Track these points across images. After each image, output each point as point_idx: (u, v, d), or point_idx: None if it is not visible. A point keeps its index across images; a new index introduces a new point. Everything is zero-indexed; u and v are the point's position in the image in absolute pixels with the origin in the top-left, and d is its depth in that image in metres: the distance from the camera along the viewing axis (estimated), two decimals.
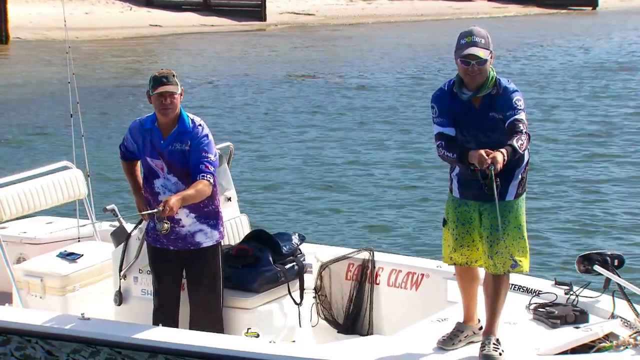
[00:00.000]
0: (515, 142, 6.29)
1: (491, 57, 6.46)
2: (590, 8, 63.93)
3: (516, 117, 6.38)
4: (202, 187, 6.87)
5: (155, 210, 6.75)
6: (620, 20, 54.59)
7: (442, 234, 6.81)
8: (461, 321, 6.73)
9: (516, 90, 6.50)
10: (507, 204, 6.51)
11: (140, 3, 53.11)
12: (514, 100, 6.43)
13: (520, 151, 6.31)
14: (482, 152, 6.21)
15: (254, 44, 42.95)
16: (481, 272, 6.74)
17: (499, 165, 6.15)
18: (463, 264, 6.68)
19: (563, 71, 32.57)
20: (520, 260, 6.51)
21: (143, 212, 7.04)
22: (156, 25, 48.28)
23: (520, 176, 6.57)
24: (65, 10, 9.79)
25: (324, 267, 8.15)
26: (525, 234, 6.60)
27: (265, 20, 52.54)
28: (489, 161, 6.15)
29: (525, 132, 6.37)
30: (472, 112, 6.47)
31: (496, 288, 6.50)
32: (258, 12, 52.87)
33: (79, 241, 8.70)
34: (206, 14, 52.45)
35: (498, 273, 6.47)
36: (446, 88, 6.59)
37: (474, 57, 6.39)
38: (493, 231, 6.45)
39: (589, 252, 7.07)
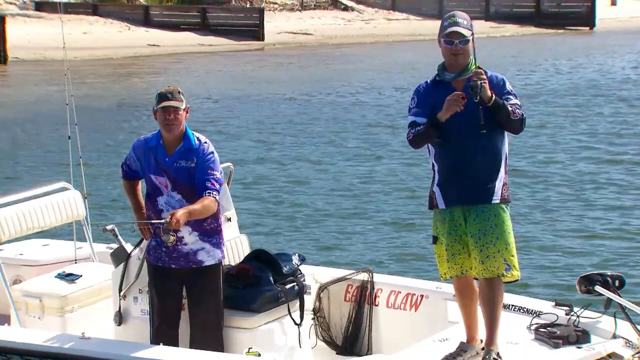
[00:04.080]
0: (508, 103, 6.40)
1: (473, 40, 6.56)
2: (588, 28, 64.10)
3: (514, 101, 6.48)
4: (208, 203, 6.90)
5: (163, 221, 6.76)
6: (617, 40, 54.70)
7: (434, 253, 6.83)
8: (464, 341, 6.71)
9: (504, 77, 6.62)
10: (492, 207, 6.53)
11: (138, 23, 53.27)
12: (506, 85, 6.55)
13: (510, 112, 6.38)
14: (448, 98, 6.35)
15: (252, 63, 43.01)
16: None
17: (486, 86, 6.30)
18: (458, 274, 6.68)
19: (560, 90, 32.62)
20: (513, 265, 6.53)
21: (150, 221, 7.01)
22: (154, 45, 48.38)
23: (502, 178, 6.59)
24: (64, 30, 9.77)
25: (322, 288, 8.13)
26: (513, 243, 6.59)
27: (263, 39, 52.68)
28: (477, 78, 6.30)
29: (523, 116, 6.48)
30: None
31: (492, 294, 6.51)
32: (256, 32, 53.04)
33: (75, 263, 8.67)
34: (204, 33, 52.59)
35: (492, 277, 6.47)
36: (429, 81, 6.70)
37: (457, 35, 6.50)
38: (482, 235, 6.48)
39: (589, 272, 7.06)
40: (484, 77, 6.37)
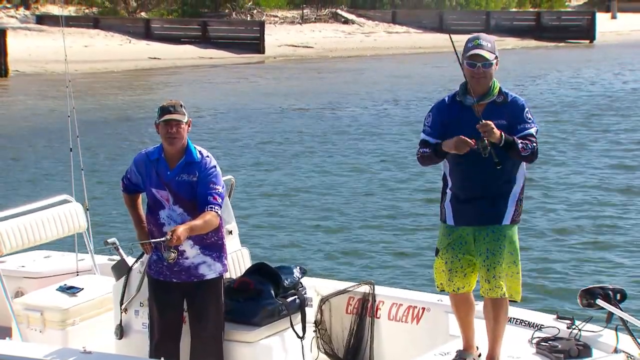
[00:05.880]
0: (519, 140, 6.35)
1: (497, 64, 6.54)
2: (588, 41, 64.24)
3: (529, 131, 6.46)
4: (210, 217, 6.89)
5: (163, 239, 6.76)
6: (618, 53, 54.80)
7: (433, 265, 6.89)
8: (461, 349, 6.75)
9: (524, 102, 6.59)
10: (502, 228, 6.55)
11: (139, 36, 53.38)
12: (524, 112, 6.51)
13: (520, 150, 6.35)
14: (459, 138, 6.30)
15: (252, 76, 43.05)
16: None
17: (495, 133, 6.26)
18: (451, 291, 6.75)
19: (561, 103, 32.65)
20: (510, 287, 6.58)
21: (151, 240, 7.01)
22: (155, 58, 48.45)
23: (517, 202, 6.60)
24: (65, 44, 9.79)
25: (324, 300, 8.12)
26: (519, 263, 6.62)
27: (263, 52, 52.78)
28: (483, 131, 6.26)
29: (535, 149, 6.43)
30: (473, 120, 6.45)
31: (496, 312, 6.58)
32: (256, 45, 53.16)
33: (77, 275, 8.67)
34: (205, 46, 52.71)
35: (495, 297, 6.53)
36: (447, 99, 6.68)
37: (480, 59, 6.46)
38: (490, 255, 6.52)
39: (591, 286, 7.06)
40: (491, 127, 6.30)
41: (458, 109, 6.55)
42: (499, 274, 6.50)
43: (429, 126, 6.61)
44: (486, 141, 6.28)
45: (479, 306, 6.87)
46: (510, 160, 6.48)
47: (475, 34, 6.67)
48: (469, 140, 6.30)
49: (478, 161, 6.39)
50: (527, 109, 6.54)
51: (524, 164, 6.61)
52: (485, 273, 6.53)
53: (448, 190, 6.67)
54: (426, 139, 6.61)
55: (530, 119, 6.51)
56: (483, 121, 6.30)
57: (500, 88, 6.58)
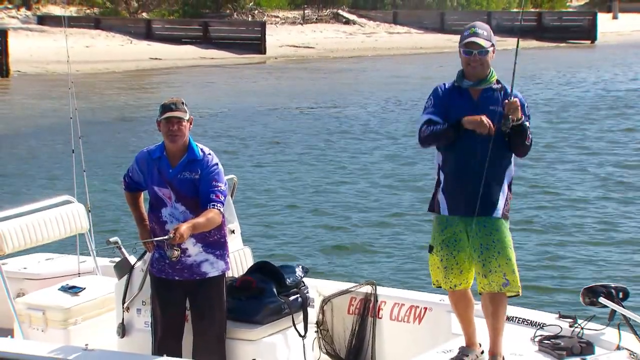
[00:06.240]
0: (528, 130, 6.49)
1: (493, 51, 6.63)
2: (589, 42, 64.26)
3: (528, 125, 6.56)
4: (212, 215, 6.89)
5: (166, 237, 6.76)
6: (619, 54, 54.80)
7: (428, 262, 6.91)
8: (464, 345, 6.79)
9: (522, 97, 6.66)
10: (494, 221, 6.59)
11: (140, 36, 53.42)
12: (525, 107, 6.59)
13: (528, 137, 6.50)
14: (482, 118, 6.39)
15: (253, 76, 43.07)
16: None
17: (518, 111, 6.39)
18: (448, 288, 6.78)
19: (561, 103, 32.67)
20: (513, 280, 6.59)
21: (154, 239, 7.01)
22: (156, 59, 48.48)
23: (506, 194, 6.64)
24: (67, 44, 9.79)
25: (326, 301, 8.13)
26: (514, 258, 6.65)
27: (265, 53, 52.81)
28: (509, 109, 6.37)
29: (532, 140, 6.62)
30: (470, 103, 6.58)
31: (495, 307, 6.60)
32: (258, 45, 53.20)
33: (79, 276, 8.68)
34: (206, 46, 52.76)
35: (493, 291, 6.56)
36: (447, 84, 6.75)
37: (476, 46, 6.56)
38: (484, 250, 6.55)
39: (593, 284, 7.06)
40: (516, 106, 6.40)
41: (457, 94, 6.65)
42: (494, 269, 6.53)
43: (431, 106, 6.67)
44: (510, 119, 6.37)
45: (478, 305, 6.87)
46: (501, 156, 6.54)
47: (472, 23, 6.73)
48: (489, 124, 6.37)
49: (471, 152, 6.48)
50: (525, 104, 6.63)
51: (513, 160, 6.65)
52: (481, 268, 6.56)
53: (442, 182, 6.70)
54: (432, 118, 6.62)
55: (528, 114, 6.61)
56: (510, 99, 6.40)
57: (497, 78, 6.64)
